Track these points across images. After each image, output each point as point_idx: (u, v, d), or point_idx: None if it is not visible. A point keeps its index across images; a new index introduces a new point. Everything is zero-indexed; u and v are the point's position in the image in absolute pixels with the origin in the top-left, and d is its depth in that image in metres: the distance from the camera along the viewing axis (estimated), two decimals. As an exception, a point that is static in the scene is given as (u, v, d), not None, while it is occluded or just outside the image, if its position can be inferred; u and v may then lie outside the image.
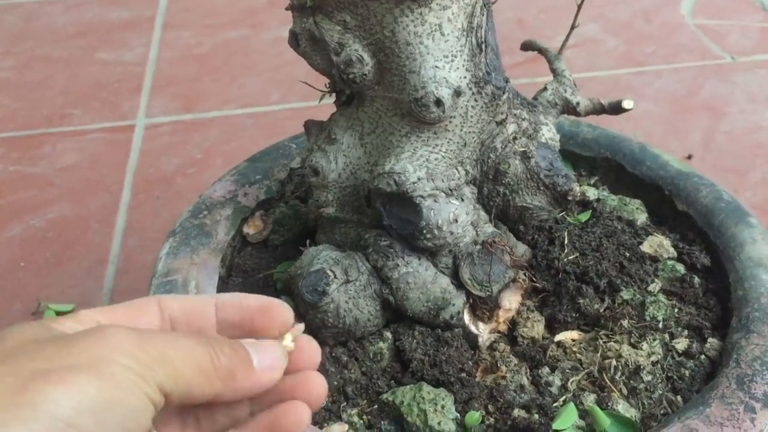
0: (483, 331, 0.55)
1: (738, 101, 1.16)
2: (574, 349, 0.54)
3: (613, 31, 1.35)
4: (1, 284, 0.88)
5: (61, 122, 1.17)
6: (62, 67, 1.31)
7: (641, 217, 0.66)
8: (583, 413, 0.50)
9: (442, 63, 0.50)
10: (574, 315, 0.56)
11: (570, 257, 0.59)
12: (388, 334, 0.55)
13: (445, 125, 0.52)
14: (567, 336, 0.55)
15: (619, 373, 0.52)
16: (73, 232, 0.96)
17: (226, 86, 1.24)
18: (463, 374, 0.52)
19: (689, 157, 1.03)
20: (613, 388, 0.52)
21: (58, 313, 0.83)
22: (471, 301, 0.55)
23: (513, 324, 0.56)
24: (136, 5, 1.48)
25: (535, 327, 0.56)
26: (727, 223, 0.62)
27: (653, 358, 0.53)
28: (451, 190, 0.53)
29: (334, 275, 0.53)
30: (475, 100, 0.52)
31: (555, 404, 0.51)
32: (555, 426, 0.48)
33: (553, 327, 0.56)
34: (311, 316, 0.54)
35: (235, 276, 0.63)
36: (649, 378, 0.52)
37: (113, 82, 1.26)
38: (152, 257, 0.60)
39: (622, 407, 0.50)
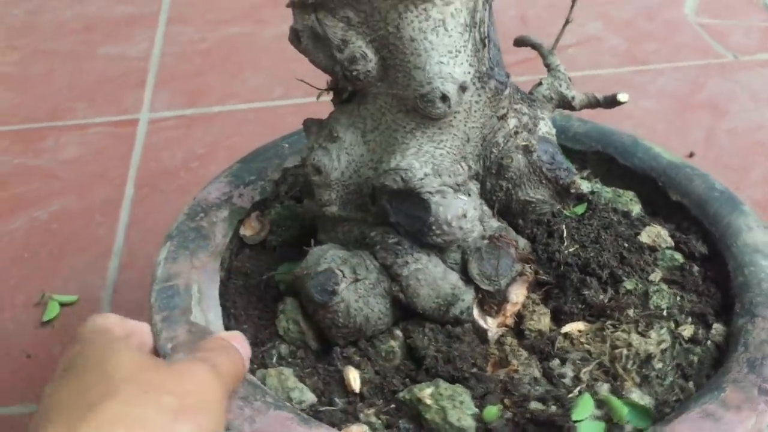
0: (491, 326, 0.55)
1: (740, 100, 1.16)
2: (582, 340, 0.55)
3: (615, 29, 1.35)
4: (5, 276, 0.88)
5: (65, 116, 1.17)
6: (66, 62, 1.31)
7: (635, 209, 0.66)
8: (599, 403, 0.50)
9: (446, 59, 0.50)
10: (580, 306, 0.56)
11: (570, 249, 0.59)
12: (399, 332, 0.55)
13: (450, 121, 0.52)
14: (573, 327, 0.56)
15: (630, 362, 0.53)
16: (76, 224, 0.96)
17: (229, 81, 1.24)
18: (476, 369, 0.52)
19: (691, 155, 1.03)
20: (626, 377, 0.52)
21: (62, 305, 0.83)
22: (480, 296, 0.55)
23: (519, 317, 0.56)
24: (140, 1, 1.48)
25: (541, 320, 0.56)
26: (721, 212, 0.63)
27: (662, 345, 0.54)
28: (458, 185, 0.53)
29: (343, 274, 0.52)
30: (479, 95, 0.52)
31: (570, 395, 0.51)
32: (574, 417, 0.48)
33: (558, 319, 0.57)
34: (320, 316, 0.53)
35: (235, 279, 0.63)
36: (660, 365, 0.53)
37: (117, 77, 1.27)
38: (156, 250, 0.60)
39: (636, 395, 0.51)
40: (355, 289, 0.53)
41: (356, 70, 0.51)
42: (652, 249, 0.62)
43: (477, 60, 0.51)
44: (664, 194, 0.67)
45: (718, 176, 0.99)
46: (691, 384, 0.52)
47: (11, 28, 1.42)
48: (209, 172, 1.01)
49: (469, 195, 0.54)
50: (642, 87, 1.19)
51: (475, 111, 0.53)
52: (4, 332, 0.81)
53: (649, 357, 0.53)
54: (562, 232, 0.60)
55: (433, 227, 0.52)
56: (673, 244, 0.63)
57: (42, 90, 1.24)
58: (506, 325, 0.56)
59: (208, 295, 0.56)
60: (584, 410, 0.49)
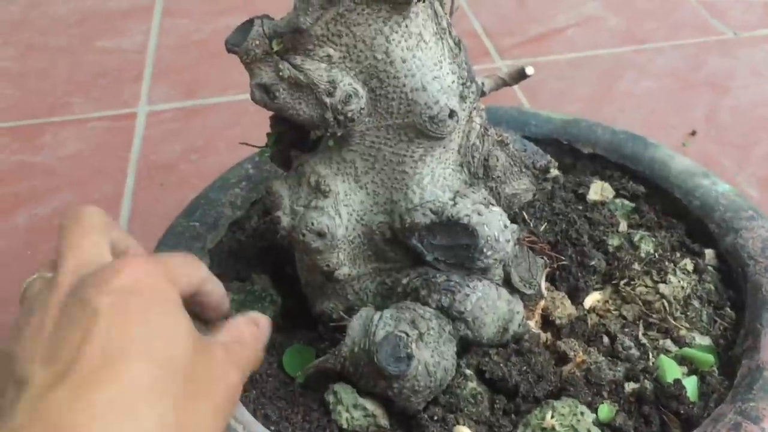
0: (535, 328, 0.54)
1: (741, 76, 1.15)
2: (610, 308, 0.55)
3: (614, 8, 1.34)
4: (8, 272, 0.88)
5: (63, 111, 1.17)
6: (62, 56, 1.31)
7: (554, 172, 0.66)
8: (678, 359, 0.51)
9: (436, 72, 0.48)
10: (592, 278, 0.57)
11: (542, 228, 0.59)
12: (468, 371, 0.51)
13: (451, 136, 0.50)
14: (593, 300, 0.56)
15: (674, 310, 0.54)
16: (77, 220, 0.96)
17: (227, 72, 1.24)
18: (561, 376, 0.50)
19: (693, 133, 1.03)
20: (678, 325, 0.53)
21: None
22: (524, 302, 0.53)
23: (543, 310, 0.56)
24: (134, -7, 1.47)
25: (564, 304, 0.55)
26: (638, 151, 0.66)
27: (689, 285, 0.55)
28: (485, 198, 0.50)
29: (406, 334, 0.47)
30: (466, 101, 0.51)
31: (651, 362, 0.51)
32: (670, 379, 0.48)
33: (572, 297, 0.56)
34: (396, 389, 0.47)
35: (246, 391, 0.51)
36: (697, 303, 0.54)
37: (114, 70, 1.26)
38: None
39: (699, 339, 0.52)
40: (426, 345, 0.48)
41: (351, 111, 0.47)
42: (602, 204, 0.63)
43: (457, 66, 0.49)
44: (573, 150, 0.68)
45: (720, 154, 0.99)
46: (728, 309, 0.54)
47: (6, 23, 1.41)
48: (209, 164, 1.01)
49: (493, 203, 0.51)
50: (642, 66, 1.18)
51: (463, 118, 0.50)
52: (7, 331, 0.81)
53: (686, 299, 0.54)
54: (522, 215, 0.60)
55: (484, 249, 0.49)
56: (615, 192, 0.65)
57: (39, 85, 1.23)
58: (536, 322, 0.55)
59: (243, 419, 0.48)
60: (673, 370, 0.50)
